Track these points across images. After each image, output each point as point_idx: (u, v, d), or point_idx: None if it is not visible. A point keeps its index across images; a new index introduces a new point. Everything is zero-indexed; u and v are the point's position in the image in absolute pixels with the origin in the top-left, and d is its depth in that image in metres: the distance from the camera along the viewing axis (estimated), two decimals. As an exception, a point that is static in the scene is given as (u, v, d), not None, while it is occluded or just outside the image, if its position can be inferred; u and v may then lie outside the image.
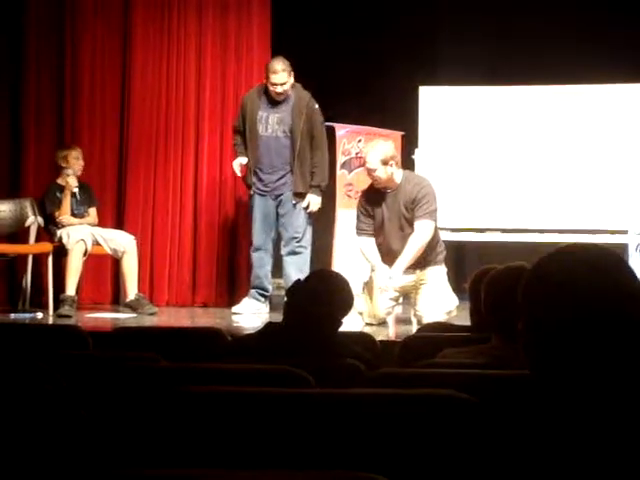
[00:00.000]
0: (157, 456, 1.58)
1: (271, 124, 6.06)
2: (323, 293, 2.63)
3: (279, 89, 5.96)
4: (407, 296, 5.59)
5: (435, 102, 7.17)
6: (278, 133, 6.06)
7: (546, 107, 7.03)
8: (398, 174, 5.35)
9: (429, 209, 5.26)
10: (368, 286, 5.49)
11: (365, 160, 5.40)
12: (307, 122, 6.01)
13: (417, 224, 5.26)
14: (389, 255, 5.37)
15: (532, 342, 1.41)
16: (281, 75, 5.94)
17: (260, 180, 6.10)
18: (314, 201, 6.04)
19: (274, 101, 6.05)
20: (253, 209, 6.16)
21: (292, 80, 6.03)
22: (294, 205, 6.03)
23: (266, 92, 6.07)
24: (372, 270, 5.44)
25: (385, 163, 5.24)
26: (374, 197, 5.39)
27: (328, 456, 1.55)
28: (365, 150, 5.49)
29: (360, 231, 5.45)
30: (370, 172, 5.31)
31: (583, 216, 6.90)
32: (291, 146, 6.02)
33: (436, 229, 5.42)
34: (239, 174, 6.21)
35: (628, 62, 6.74)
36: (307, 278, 2.84)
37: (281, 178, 6.06)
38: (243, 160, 6.13)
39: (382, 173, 5.25)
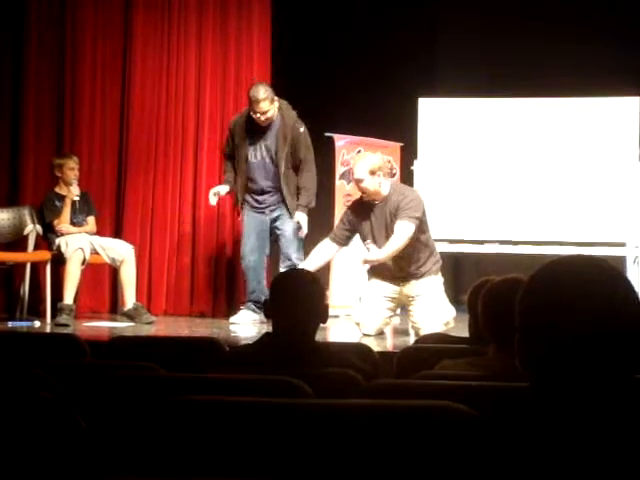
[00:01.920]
0: (155, 465, 1.57)
1: (259, 150, 6.02)
2: (305, 296, 2.62)
3: (262, 117, 5.91)
4: (404, 307, 5.59)
5: (434, 114, 7.18)
6: (266, 159, 6.01)
7: (544, 119, 7.04)
8: (385, 185, 5.34)
9: (410, 214, 5.23)
10: (367, 296, 5.48)
11: (352, 171, 5.42)
12: (292, 146, 5.95)
13: (396, 225, 5.23)
14: (383, 266, 5.36)
15: (529, 354, 1.41)
16: (263, 104, 5.87)
17: (255, 200, 6.08)
18: (302, 219, 5.95)
19: (260, 127, 5.99)
20: (245, 225, 6.13)
21: (276, 106, 5.95)
22: (290, 223, 5.98)
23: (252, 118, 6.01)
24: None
25: (373, 173, 5.24)
26: (363, 208, 5.39)
27: (325, 467, 1.55)
28: (352, 162, 5.51)
29: (332, 234, 5.53)
30: (358, 183, 5.31)
31: (581, 228, 6.90)
32: (277, 171, 5.99)
33: (429, 238, 5.42)
34: (213, 203, 6.13)
35: (626, 75, 6.77)
36: (288, 279, 2.79)
37: (275, 197, 6.03)
38: (223, 190, 6.08)
39: (369, 184, 5.25)
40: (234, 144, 6.09)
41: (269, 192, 6.04)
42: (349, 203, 5.77)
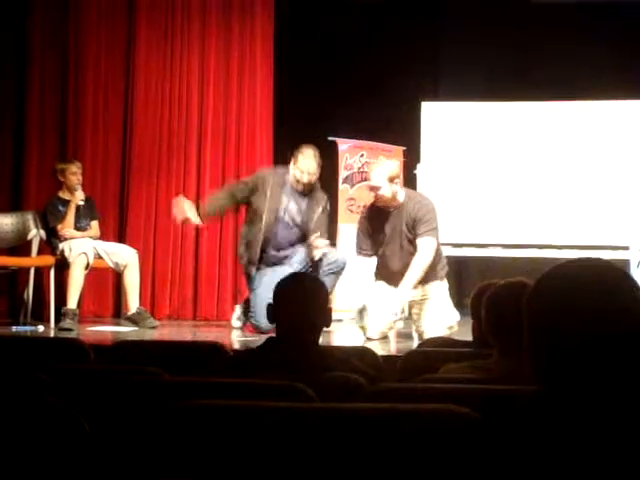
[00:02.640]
0: (158, 470, 1.58)
1: (289, 212, 5.70)
2: (309, 300, 2.62)
3: (306, 178, 5.59)
4: (408, 311, 5.58)
5: (437, 117, 7.19)
6: (293, 222, 5.72)
7: (548, 123, 7.05)
8: (401, 193, 5.35)
9: (430, 227, 5.26)
10: (371, 300, 5.48)
11: (369, 178, 5.37)
12: (319, 220, 5.69)
13: (420, 242, 5.25)
14: (388, 272, 5.37)
15: (536, 358, 1.41)
16: (312, 163, 5.60)
17: (267, 253, 5.74)
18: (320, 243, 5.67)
19: (298, 191, 5.68)
20: (256, 284, 5.68)
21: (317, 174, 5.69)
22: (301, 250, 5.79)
23: (287, 179, 5.70)
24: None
25: (391, 180, 5.23)
26: (377, 215, 5.38)
27: (328, 470, 1.55)
28: (370, 169, 5.45)
29: (360, 250, 5.46)
30: (375, 190, 5.28)
31: (585, 232, 6.90)
32: (300, 234, 5.73)
33: (438, 245, 5.42)
34: (178, 218, 5.74)
35: (629, 79, 6.77)
36: (291, 284, 2.77)
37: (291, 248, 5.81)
38: (196, 219, 5.70)
39: (387, 191, 5.24)
40: (260, 195, 5.68)
41: (282, 248, 5.78)
42: (360, 208, 5.70)
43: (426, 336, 5.06)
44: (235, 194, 5.81)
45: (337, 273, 5.72)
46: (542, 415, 1.37)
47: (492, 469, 1.34)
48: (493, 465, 1.34)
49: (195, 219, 5.71)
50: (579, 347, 1.36)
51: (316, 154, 5.64)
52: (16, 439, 1.57)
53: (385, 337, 5.45)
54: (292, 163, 5.66)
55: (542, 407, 1.38)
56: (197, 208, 5.78)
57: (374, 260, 5.48)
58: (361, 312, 5.44)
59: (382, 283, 5.44)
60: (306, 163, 5.60)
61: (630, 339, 1.36)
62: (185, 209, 5.69)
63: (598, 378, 1.36)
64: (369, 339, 5.37)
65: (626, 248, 6.75)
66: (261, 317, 5.29)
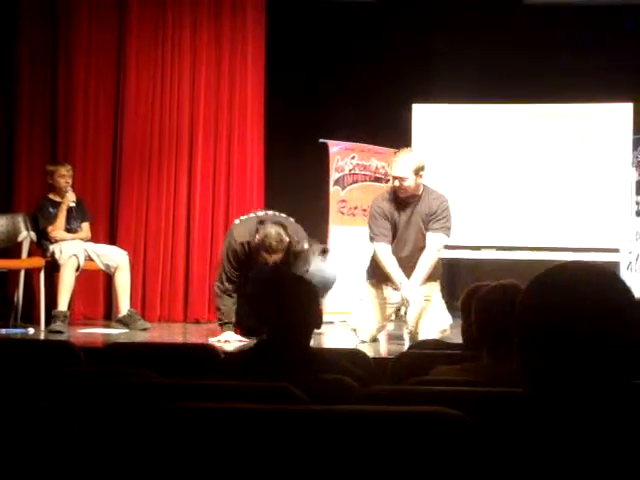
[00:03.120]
0: (150, 473, 1.57)
1: None
2: (299, 302, 2.62)
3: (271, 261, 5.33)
4: (398, 313, 5.58)
5: (428, 119, 7.20)
6: None
7: (538, 125, 7.06)
8: (421, 185, 5.30)
9: (446, 224, 5.24)
10: (364, 302, 5.47)
11: (394, 168, 5.16)
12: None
13: (431, 236, 5.21)
14: (378, 270, 5.34)
15: (527, 359, 1.42)
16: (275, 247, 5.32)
17: None
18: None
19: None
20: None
21: None
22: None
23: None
24: (371, 283, 5.42)
25: (416, 173, 5.15)
26: (392, 205, 5.28)
27: (319, 473, 1.55)
28: (395, 158, 5.21)
29: (376, 237, 5.27)
30: (401, 180, 5.14)
31: (576, 234, 6.92)
32: None
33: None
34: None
35: (618, 81, 6.79)
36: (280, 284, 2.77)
37: None
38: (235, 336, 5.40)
39: (412, 182, 5.17)
40: None
41: None
42: (378, 198, 5.44)
43: (418, 338, 5.05)
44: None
45: (324, 289, 5.67)
46: (532, 417, 1.37)
47: (483, 471, 1.34)
48: (484, 467, 1.34)
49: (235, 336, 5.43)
50: (570, 349, 1.36)
51: (279, 234, 5.26)
52: (6, 442, 1.57)
53: (375, 340, 5.45)
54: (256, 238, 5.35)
55: (532, 409, 1.38)
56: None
57: (367, 255, 5.40)
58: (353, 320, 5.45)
59: (376, 285, 5.40)
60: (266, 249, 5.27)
61: (620, 342, 1.37)
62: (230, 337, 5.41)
63: (588, 380, 1.36)
64: (362, 342, 5.37)
65: (616, 250, 6.78)
66: None
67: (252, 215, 5.56)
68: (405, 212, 5.27)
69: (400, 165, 5.17)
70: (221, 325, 5.47)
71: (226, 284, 5.45)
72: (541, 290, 1.42)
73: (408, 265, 5.25)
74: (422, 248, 5.26)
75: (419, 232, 5.26)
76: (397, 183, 5.19)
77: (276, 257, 5.30)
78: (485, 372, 2.40)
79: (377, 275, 5.40)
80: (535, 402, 1.38)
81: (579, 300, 1.38)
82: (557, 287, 1.41)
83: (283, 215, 5.55)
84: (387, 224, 5.26)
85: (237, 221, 5.60)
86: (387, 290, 5.41)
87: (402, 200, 5.26)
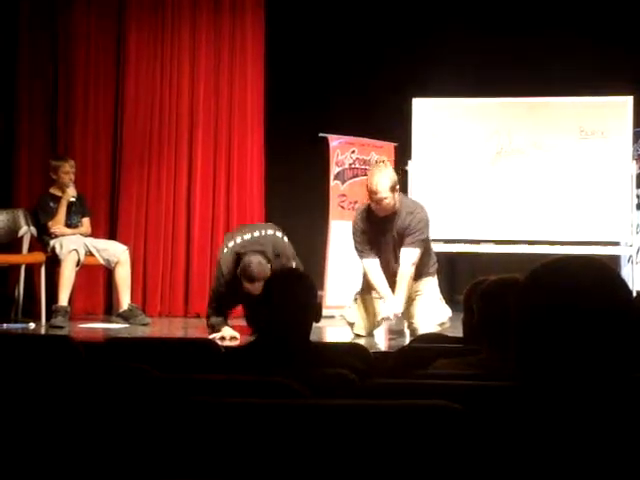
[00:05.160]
0: (150, 467, 1.58)
1: None
2: (298, 296, 2.62)
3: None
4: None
5: (428, 113, 7.19)
6: None
7: (538, 119, 7.05)
8: (397, 200, 5.32)
9: (418, 237, 5.24)
10: (361, 297, 5.49)
11: (373, 188, 5.16)
12: None
13: (404, 251, 5.23)
14: (387, 275, 5.36)
15: (524, 353, 1.42)
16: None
17: None
18: None
19: None
20: None
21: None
22: None
23: None
24: (374, 292, 5.43)
25: (393, 190, 5.16)
26: (371, 220, 5.31)
27: (320, 467, 1.55)
28: (371, 178, 5.20)
29: (362, 253, 5.35)
30: (381, 201, 5.15)
31: (576, 228, 6.91)
32: None
33: (428, 243, 5.42)
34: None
35: (618, 75, 6.79)
36: (284, 278, 2.77)
37: None
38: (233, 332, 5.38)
39: (391, 200, 5.18)
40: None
41: None
42: (357, 217, 5.46)
43: (418, 332, 5.06)
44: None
45: None
46: (532, 410, 1.37)
47: (483, 464, 1.34)
48: (484, 460, 1.34)
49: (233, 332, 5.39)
50: (567, 342, 1.36)
51: (260, 263, 5.18)
52: (8, 437, 1.57)
53: (371, 335, 5.46)
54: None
55: (531, 402, 1.38)
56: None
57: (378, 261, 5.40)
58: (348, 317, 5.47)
59: (391, 296, 5.39)
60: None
61: (617, 334, 1.37)
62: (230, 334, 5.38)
63: (586, 373, 1.36)
64: (357, 336, 5.38)
65: (617, 244, 6.78)
66: None
67: (231, 245, 5.39)
68: (384, 227, 5.28)
69: (378, 186, 5.13)
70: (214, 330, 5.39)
71: (213, 305, 5.44)
72: (538, 284, 1.42)
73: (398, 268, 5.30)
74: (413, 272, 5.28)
75: (397, 245, 5.29)
76: (376, 204, 5.18)
77: (259, 285, 5.09)
78: (485, 365, 2.40)
79: (368, 289, 5.45)
80: (534, 395, 1.38)
81: (575, 294, 1.38)
82: (554, 281, 1.41)
83: (270, 232, 5.44)
84: (367, 241, 5.30)
85: (225, 249, 5.45)
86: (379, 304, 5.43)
87: (378, 216, 5.26)
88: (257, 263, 5.17)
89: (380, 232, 5.30)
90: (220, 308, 5.43)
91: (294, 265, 5.39)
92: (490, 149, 7.12)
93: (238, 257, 5.26)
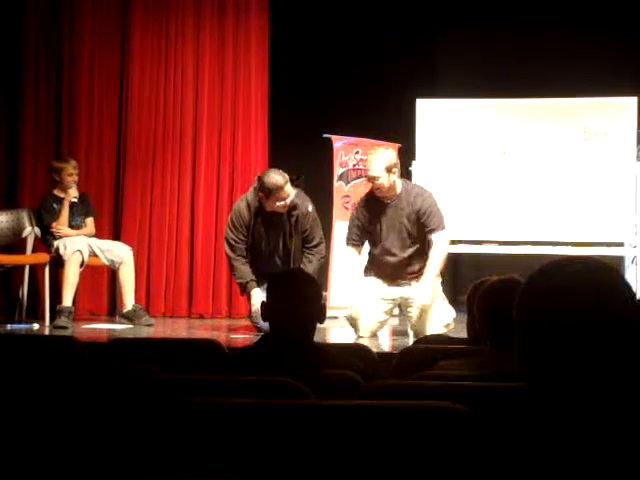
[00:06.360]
0: (154, 467, 1.58)
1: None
2: (302, 297, 2.61)
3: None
4: (402, 308, 5.58)
5: (432, 114, 7.18)
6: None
7: (543, 120, 7.04)
8: (398, 183, 5.32)
9: (439, 219, 5.27)
10: (362, 298, 5.48)
11: (368, 168, 5.31)
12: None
13: (434, 237, 5.24)
14: (387, 265, 5.35)
15: (527, 354, 1.42)
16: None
17: None
18: None
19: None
20: None
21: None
22: None
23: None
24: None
25: (389, 171, 5.19)
26: (373, 207, 5.34)
27: (324, 467, 1.55)
28: (368, 158, 5.34)
29: (349, 241, 5.44)
30: (373, 180, 5.23)
31: (579, 229, 6.91)
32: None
33: None
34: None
35: (623, 75, 6.78)
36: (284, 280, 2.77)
37: None
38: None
39: (385, 181, 5.20)
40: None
41: None
42: (357, 203, 5.58)
43: (422, 334, 5.05)
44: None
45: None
46: (536, 411, 1.37)
47: (487, 465, 1.34)
48: (488, 461, 1.34)
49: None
50: (568, 345, 1.36)
51: (280, 173, 5.40)
52: (12, 437, 1.57)
53: (374, 336, 5.45)
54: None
55: (536, 403, 1.38)
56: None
57: (363, 252, 5.43)
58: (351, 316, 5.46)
59: (374, 281, 5.42)
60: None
61: (619, 338, 1.37)
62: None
63: (589, 374, 1.36)
64: (360, 337, 5.37)
65: (620, 245, 6.77)
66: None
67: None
68: (386, 213, 5.29)
69: (372, 164, 5.24)
70: (243, 288, 5.53)
71: (229, 252, 5.55)
72: (540, 285, 1.42)
73: (402, 269, 5.28)
74: (409, 247, 5.26)
75: (404, 231, 5.27)
76: (371, 183, 5.28)
77: (286, 195, 5.39)
78: (489, 366, 2.40)
79: (374, 271, 5.42)
80: (539, 396, 1.38)
81: (578, 295, 1.38)
82: (556, 282, 1.40)
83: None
84: (360, 232, 5.37)
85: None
86: (384, 286, 5.41)
87: (381, 201, 5.27)
88: (277, 173, 5.37)
89: (383, 220, 5.30)
90: (237, 251, 5.52)
91: (310, 208, 5.53)
92: (494, 150, 7.11)
93: (256, 184, 5.43)
